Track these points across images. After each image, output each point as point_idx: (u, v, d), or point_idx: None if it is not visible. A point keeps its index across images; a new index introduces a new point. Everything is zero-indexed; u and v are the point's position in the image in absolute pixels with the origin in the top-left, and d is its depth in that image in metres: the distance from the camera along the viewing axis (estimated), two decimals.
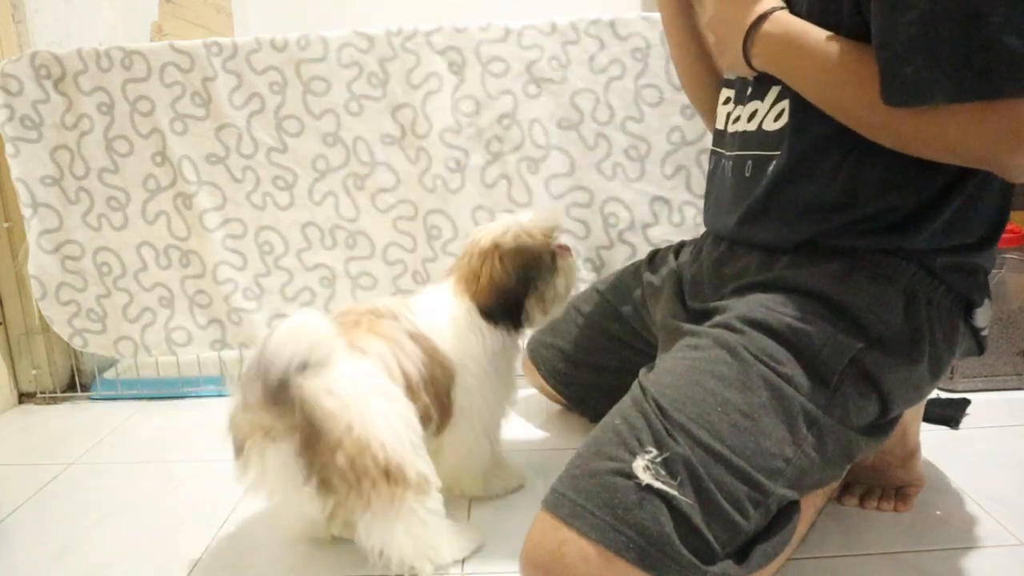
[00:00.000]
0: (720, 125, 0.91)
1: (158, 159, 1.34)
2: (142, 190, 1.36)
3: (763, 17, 0.72)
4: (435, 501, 0.81)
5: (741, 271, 0.82)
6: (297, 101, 1.32)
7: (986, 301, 0.79)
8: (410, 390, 0.82)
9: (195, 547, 0.90)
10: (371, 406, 0.75)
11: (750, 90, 0.83)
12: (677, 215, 1.34)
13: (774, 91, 0.78)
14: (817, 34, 0.69)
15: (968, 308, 0.78)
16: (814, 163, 0.75)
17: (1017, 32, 0.57)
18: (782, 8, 0.73)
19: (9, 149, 1.32)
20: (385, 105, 1.32)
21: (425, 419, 0.84)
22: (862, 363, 0.71)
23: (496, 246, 0.90)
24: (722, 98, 0.92)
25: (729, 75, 0.90)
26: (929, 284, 0.74)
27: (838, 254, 0.75)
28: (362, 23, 1.31)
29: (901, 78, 0.61)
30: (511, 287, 0.89)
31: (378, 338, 0.82)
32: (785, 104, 0.76)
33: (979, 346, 0.82)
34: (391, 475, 0.74)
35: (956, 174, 0.71)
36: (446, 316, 0.91)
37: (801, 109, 0.73)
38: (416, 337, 0.86)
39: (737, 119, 0.86)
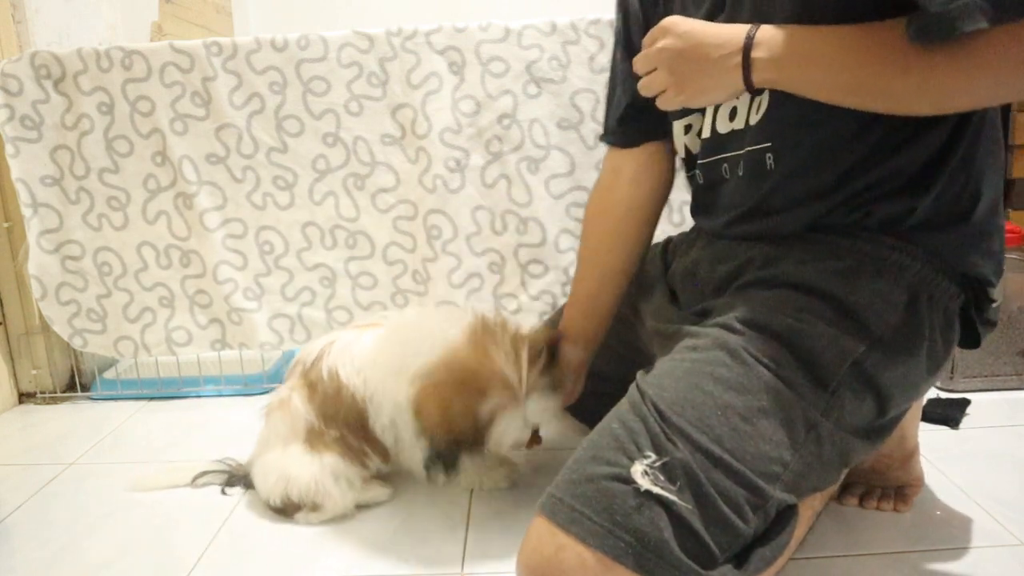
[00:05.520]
0: (694, 148, 0.89)
1: (158, 159, 1.34)
2: (142, 190, 1.36)
3: (750, 34, 0.70)
4: None
5: (741, 268, 0.81)
6: (297, 101, 1.32)
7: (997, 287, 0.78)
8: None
9: (195, 547, 0.91)
10: None
11: None
12: (677, 215, 1.34)
13: None
14: (818, 30, 0.67)
15: (966, 307, 0.77)
16: (802, 147, 0.74)
17: None
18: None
19: (9, 149, 1.32)
20: (385, 105, 1.32)
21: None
22: (862, 365, 0.71)
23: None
24: (678, 129, 0.89)
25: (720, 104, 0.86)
26: (932, 281, 0.73)
27: (843, 251, 0.74)
28: (362, 23, 1.31)
29: (938, 10, 0.59)
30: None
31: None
32: (764, 95, 0.75)
33: (983, 326, 0.80)
34: None
35: (944, 140, 0.70)
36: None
37: (779, 95, 0.72)
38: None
39: (713, 126, 0.84)
